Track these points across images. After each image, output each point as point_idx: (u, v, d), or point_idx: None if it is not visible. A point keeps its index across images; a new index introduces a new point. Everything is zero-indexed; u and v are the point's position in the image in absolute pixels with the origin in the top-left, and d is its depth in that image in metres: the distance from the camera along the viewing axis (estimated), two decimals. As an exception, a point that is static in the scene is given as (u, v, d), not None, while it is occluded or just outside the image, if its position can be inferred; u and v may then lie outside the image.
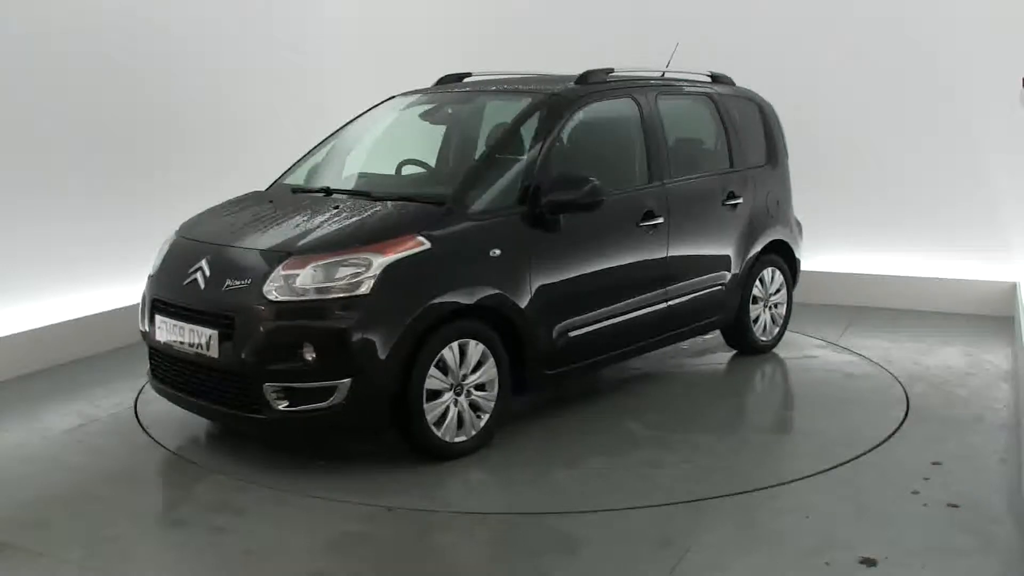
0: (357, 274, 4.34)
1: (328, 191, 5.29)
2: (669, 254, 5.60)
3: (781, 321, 6.61)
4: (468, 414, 4.65)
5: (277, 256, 4.49)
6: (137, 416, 5.37)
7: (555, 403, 5.50)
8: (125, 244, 6.83)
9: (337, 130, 6.10)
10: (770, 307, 6.46)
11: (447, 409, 4.56)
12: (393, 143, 6.17)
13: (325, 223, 4.71)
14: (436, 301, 4.46)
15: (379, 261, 4.37)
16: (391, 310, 4.36)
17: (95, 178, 6.81)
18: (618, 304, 5.36)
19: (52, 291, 6.47)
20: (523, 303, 4.80)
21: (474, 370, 4.65)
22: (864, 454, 4.75)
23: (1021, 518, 3.99)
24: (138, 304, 5.12)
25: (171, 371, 4.81)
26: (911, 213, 7.72)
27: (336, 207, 4.91)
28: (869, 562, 3.63)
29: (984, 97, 7.41)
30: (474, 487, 4.47)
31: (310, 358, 4.27)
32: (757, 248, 6.23)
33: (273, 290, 4.36)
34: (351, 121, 6.15)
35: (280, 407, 4.34)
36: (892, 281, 7.74)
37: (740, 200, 6.09)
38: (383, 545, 3.87)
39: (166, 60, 7.33)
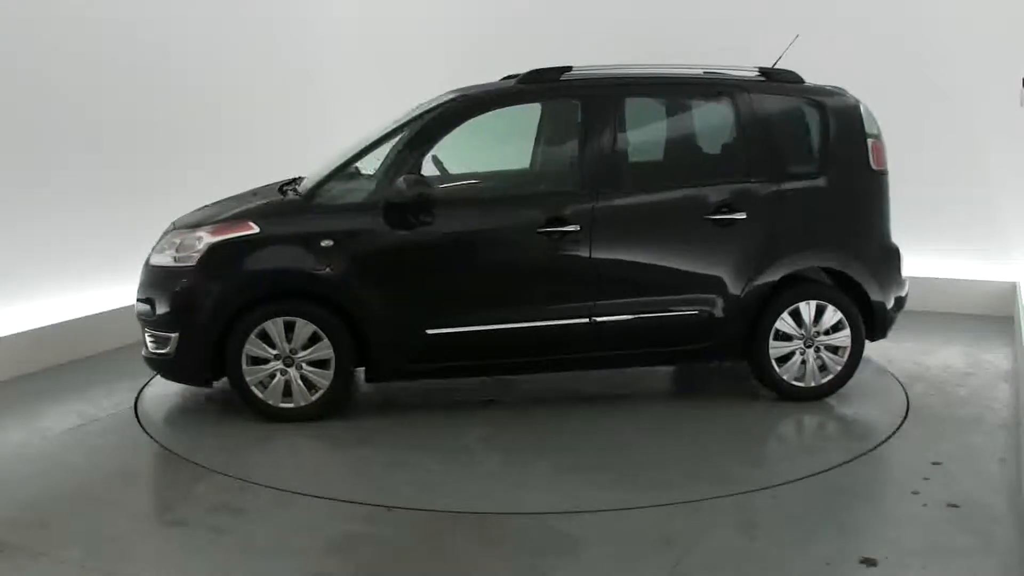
0: (192, 249, 5.12)
1: (298, 179, 5.77)
2: (593, 266, 5.20)
3: (838, 368, 5.45)
4: (297, 385, 5.14)
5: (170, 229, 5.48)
6: (137, 416, 5.37)
7: (491, 405, 5.55)
8: (125, 244, 6.81)
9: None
10: (817, 348, 5.42)
11: (274, 376, 5.11)
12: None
13: (231, 207, 5.39)
14: (252, 280, 5.10)
15: (207, 240, 5.11)
16: (210, 282, 5.09)
17: (95, 179, 6.81)
18: (500, 311, 5.20)
19: (52, 291, 6.47)
20: (356, 293, 5.08)
21: (306, 347, 5.09)
22: (864, 454, 4.74)
23: (1021, 518, 3.99)
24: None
25: None
26: (911, 213, 7.68)
27: (256, 195, 5.59)
28: (869, 562, 3.63)
29: (984, 97, 7.41)
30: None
31: (155, 312, 5.17)
32: (778, 274, 5.35)
33: (154, 255, 5.33)
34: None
35: (150, 349, 5.29)
36: (892, 281, 7.73)
37: (742, 215, 5.28)
38: (383, 545, 3.87)
39: (166, 60, 7.33)
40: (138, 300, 5.33)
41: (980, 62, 7.37)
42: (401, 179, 5.06)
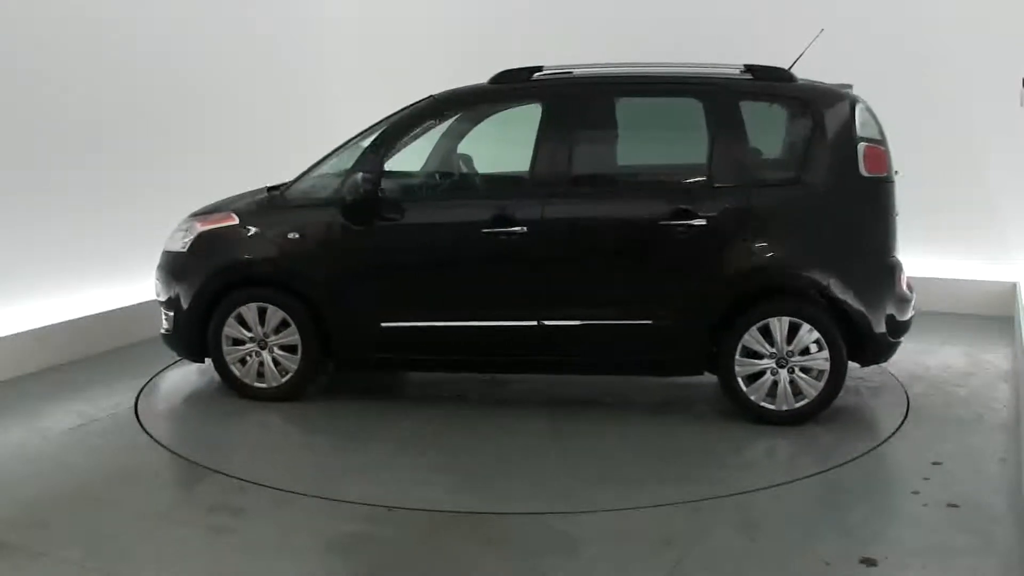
0: (186, 237, 5.56)
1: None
2: (539, 266, 5.13)
3: (816, 393, 5.01)
4: (269, 367, 5.45)
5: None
6: (137, 416, 5.37)
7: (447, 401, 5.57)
8: (125, 244, 6.83)
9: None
10: (791, 369, 5.00)
11: (249, 356, 5.45)
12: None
13: (233, 202, 5.73)
14: (226, 268, 5.46)
15: (196, 229, 5.56)
16: (194, 268, 5.50)
17: (95, 179, 6.80)
18: (447, 308, 5.26)
19: (52, 291, 6.47)
20: (319, 284, 5.34)
21: (278, 332, 5.39)
22: (864, 454, 4.75)
23: (1021, 518, 3.99)
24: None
25: None
26: (911, 213, 7.66)
27: (258, 189, 5.85)
28: (869, 562, 3.63)
29: (984, 97, 7.41)
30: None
31: (162, 292, 5.63)
32: (743, 286, 5.01)
33: (167, 241, 5.72)
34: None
35: (163, 325, 5.69)
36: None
37: (701, 221, 4.95)
38: (383, 545, 3.87)
39: (166, 60, 7.32)
40: (155, 281, 5.75)
41: (980, 62, 7.37)
42: (359, 176, 5.18)
